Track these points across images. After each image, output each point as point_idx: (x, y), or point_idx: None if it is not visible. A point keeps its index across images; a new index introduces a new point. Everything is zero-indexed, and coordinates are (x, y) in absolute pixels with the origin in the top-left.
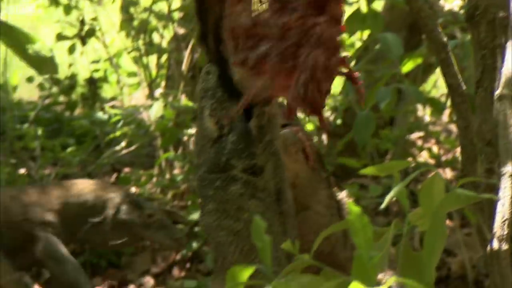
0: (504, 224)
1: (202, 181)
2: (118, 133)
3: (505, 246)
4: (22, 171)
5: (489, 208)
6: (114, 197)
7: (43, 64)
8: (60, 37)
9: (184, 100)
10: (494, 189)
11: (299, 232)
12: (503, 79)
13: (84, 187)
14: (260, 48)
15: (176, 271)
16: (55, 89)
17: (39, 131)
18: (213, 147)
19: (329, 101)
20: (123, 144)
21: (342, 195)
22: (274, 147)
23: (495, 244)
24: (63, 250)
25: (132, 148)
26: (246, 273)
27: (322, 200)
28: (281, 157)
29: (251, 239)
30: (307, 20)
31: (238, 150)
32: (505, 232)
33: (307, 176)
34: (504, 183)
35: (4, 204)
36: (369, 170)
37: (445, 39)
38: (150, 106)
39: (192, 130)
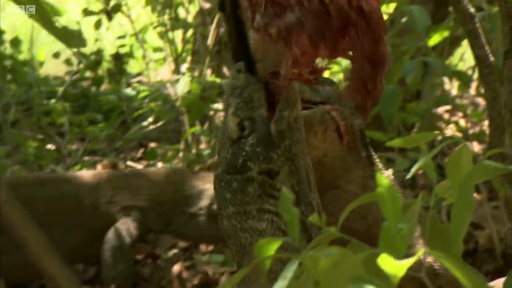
0: None
1: (220, 182)
2: (145, 110)
3: None
4: (49, 146)
5: None
6: (211, 187)
7: (71, 37)
8: (86, 12)
9: (210, 75)
10: None
11: (329, 210)
12: None
13: (179, 175)
14: (288, 17)
15: (203, 246)
16: (81, 65)
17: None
18: (232, 147)
19: None
20: (150, 119)
21: (388, 173)
22: (291, 152)
23: None
24: (126, 245)
25: (159, 124)
26: (273, 247)
27: (356, 179)
28: (299, 161)
29: (276, 236)
30: (357, 1)
31: (256, 153)
32: None
33: (338, 156)
34: None
35: (92, 184)
36: (395, 142)
37: (472, 10)
38: (177, 81)
39: (219, 105)
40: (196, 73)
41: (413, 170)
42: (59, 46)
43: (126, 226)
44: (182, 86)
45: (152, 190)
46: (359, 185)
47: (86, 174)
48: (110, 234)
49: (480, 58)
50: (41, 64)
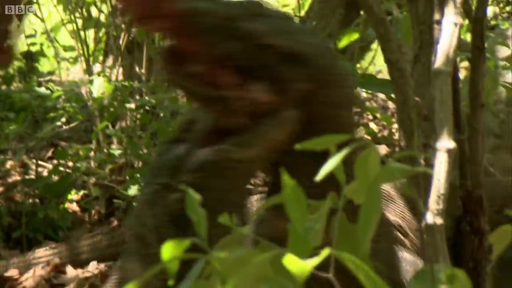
0: (439, 199)
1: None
2: (59, 111)
3: (439, 221)
4: None
5: (425, 183)
6: None
7: None
8: None
9: (121, 75)
10: (431, 163)
11: None
12: (439, 55)
13: None
14: None
15: None
16: None
17: None
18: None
19: None
20: (63, 119)
21: None
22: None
23: (430, 219)
24: None
25: (73, 125)
26: (181, 248)
27: None
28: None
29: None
30: None
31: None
32: (440, 207)
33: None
34: (440, 158)
35: None
36: (305, 145)
37: (383, 15)
38: (90, 81)
39: (131, 105)
40: (108, 73)
41: (322, 171)
42: None
43: None
44: (97, 88)
45: None
46: None
47: None
48: None
49: (391, 62)
50: None
